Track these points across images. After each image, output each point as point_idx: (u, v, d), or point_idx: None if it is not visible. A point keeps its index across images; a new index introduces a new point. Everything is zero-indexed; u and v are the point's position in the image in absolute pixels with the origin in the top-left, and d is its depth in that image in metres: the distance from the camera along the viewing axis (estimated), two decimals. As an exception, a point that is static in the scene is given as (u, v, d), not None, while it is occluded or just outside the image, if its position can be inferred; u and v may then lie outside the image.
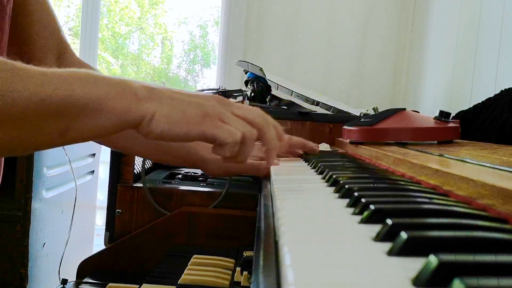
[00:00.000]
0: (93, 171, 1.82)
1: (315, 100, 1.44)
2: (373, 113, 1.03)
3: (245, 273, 0.77)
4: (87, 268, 1.05)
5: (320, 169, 0.58)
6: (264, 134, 0.57)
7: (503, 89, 1.07)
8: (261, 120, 0.57)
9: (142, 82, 0.54)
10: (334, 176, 0.49)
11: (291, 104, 1.53)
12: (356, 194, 0.37)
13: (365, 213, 0.32)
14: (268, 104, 1.54)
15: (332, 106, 1.43)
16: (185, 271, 0.86)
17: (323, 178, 0.52)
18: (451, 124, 0.86)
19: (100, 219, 2.21)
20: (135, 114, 0.51)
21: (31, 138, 0.46)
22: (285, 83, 1.52)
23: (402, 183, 0.47)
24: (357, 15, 2.08)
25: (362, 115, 1.15)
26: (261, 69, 1.47)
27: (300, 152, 0.88)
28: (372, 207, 0.32)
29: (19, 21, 0.70)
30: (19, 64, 0.45)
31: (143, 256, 1.06)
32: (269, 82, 1.52)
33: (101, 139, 0.76)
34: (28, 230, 1.26)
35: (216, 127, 0.53)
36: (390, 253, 0.24)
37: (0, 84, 0.42)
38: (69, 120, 0.47)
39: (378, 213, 0.31)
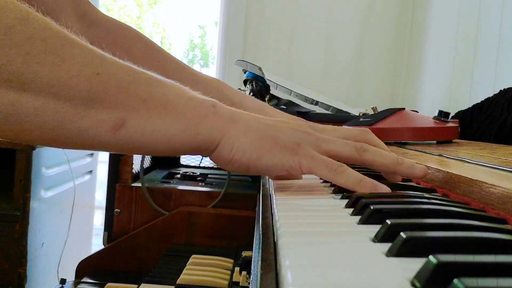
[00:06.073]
0: (92, 171, 1.82)
1: (314, 100, 1.44)
2: (372, 113, 1.03)
3: (244, 273, 0.77)
4: (85, 267, 1.05)
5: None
6: (374, 160, 0.45)
7: (502, 89, 1.07)
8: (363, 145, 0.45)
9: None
10: (333, 176, 0.49)
11: (290, 103, 1.52)
12: (355, 194, 0.37)
13: (364, 214, 0.32)
14: (267, 103, 1.54)
15: (331, 106, 1.43)
16: (184, 271, 0.86)
17: (322, 178, 0.52)
18: (450, 124, 0.86)
19: (99, 219, 2.21)
20: (209, 130, 0.40)
21: (77, 123, 0.37)
22: (284, 82, 1.51)
23: (401, 183, 0.47)
24: (356, 15, 2.08)
25: (361, 114, 1.15)
26: (260, 69, 1.47)
27: None
28: (371, 207, 0.32)
29: None
30: (76, 38, 0.38)
31: (142, 256, 1.06)
32: (268, 82, 1.52)
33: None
34: (26, 229, 1.26)
35: (312, 158, 0.42)
36: (389, 253, 0.24)
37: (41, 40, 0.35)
38: (127, 111, 0.38)
39: (377, 213, 0.31)
